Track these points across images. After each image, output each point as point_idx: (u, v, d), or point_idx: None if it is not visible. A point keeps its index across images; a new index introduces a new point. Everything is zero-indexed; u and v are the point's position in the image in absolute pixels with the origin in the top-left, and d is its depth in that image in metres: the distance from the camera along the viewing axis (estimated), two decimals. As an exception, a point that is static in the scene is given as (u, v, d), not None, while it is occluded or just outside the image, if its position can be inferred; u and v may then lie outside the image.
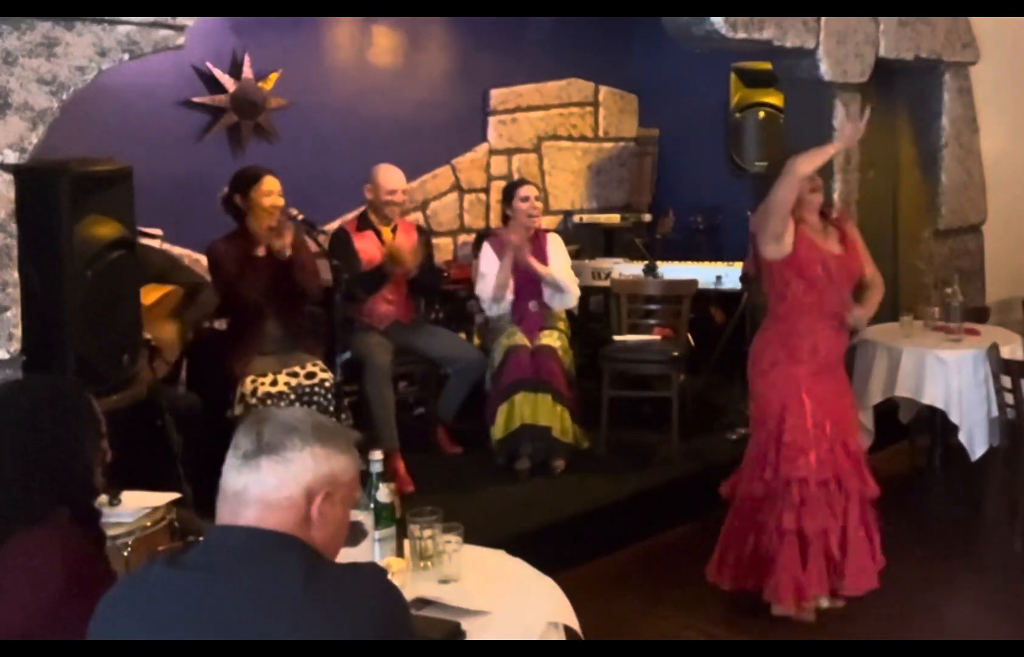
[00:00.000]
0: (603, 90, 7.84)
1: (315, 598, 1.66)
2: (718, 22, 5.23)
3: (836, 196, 5.92)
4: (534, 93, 7.42)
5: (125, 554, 2.96)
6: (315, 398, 4.76)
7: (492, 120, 7.23)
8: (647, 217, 7.53)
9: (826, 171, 4.88)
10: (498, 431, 5.34)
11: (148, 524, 3.08)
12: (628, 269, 6.53)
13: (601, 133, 7.87)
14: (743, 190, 6.74)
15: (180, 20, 3.62)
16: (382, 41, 6.70)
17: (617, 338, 5.98)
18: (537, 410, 5.30)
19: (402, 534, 2.79)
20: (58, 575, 2.14)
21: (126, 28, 3.52)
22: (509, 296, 5.54)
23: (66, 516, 2.26)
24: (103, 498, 2.64)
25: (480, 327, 6.24)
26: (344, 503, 1.82)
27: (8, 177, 3.32)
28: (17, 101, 3.33)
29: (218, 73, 5.88)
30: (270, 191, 4.91)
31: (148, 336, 4.13)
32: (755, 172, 6.84)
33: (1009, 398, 4.86)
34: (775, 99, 7.04)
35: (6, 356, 3.31)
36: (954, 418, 5.15)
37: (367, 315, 5.48)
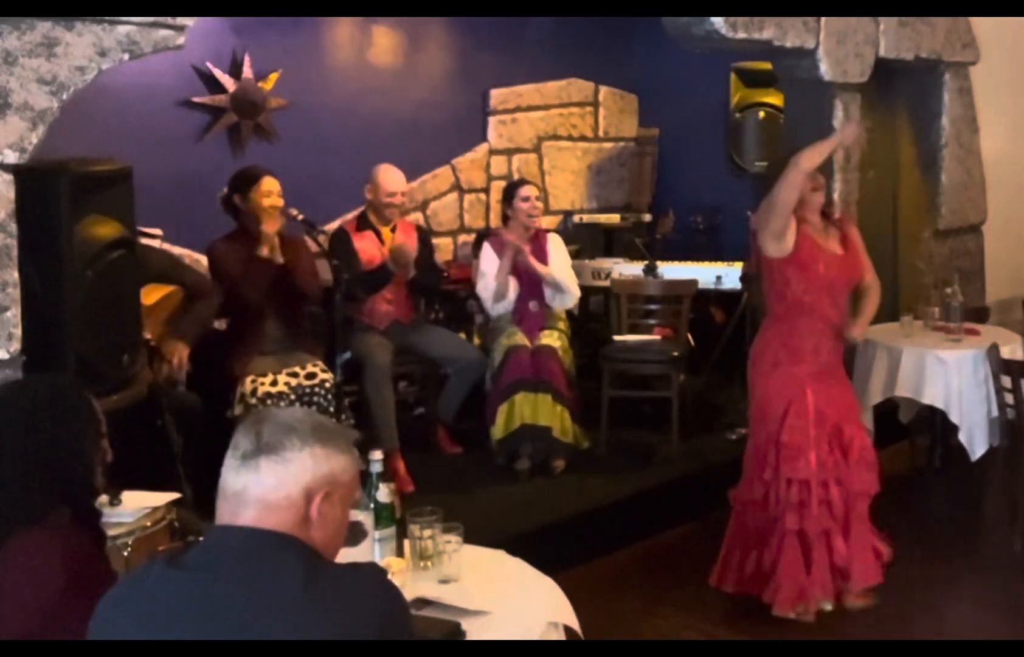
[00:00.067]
0: (603, 90, 7.84)
1: (315, 598, 1.66)
2: (718, 22, 5.23)
3: (836, 196, 5.92)
4: (534, 93, 7.42)
5: (125, 554, 2.96)
6: (315, 398, 4.76)
7: (492, 120, 7.23)
8: (647, 217, 7.53)
9: (826, 171, 4.88)
10: (498, 431, 5.34)
11: (148, 524, 3.08)
12: (628, 269, 6.53)
13: (601, 133, 7.87)
14: (743, 190, 6.74)
15: (180, 20, 3.63)
16: (382, 41, 6.70)
17: (617, 338, 5.98)
18: (537, 410, 5.30)
19: (402, 534, 2.79)
20: (58, 575, 2.14)
21: (126, 28, 3.52)
22: (512, 295, 5.54)
23: (66, 516, 2.26)
24: (103, 498, 2.64)
25: (480, 327, 6.25)
26: (344, 503, 1.82)
27: (8, 177, 3.33)
28: (17, 101, 3.33)
29: (218, 73, 5.88)
30: (269, 191, 4.91)
31: (148, 336, 4.13)
32: (755, 172, 6.84)
33: (1009, 398, 4.86)
34: (775, 99, 7.05)
35: (6, 356, 3.31)
36: (954, 418, 5.15)
37: (367, 315, 5.48)
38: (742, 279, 6.26)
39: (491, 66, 7.17)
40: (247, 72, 5.98)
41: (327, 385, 4.80)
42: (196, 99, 5.85)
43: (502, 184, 6.41)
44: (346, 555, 2.06)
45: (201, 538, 1.90)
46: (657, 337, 5.97)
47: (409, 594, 2.32)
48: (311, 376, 4.80)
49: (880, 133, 6.47)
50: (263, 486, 1.73)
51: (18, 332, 3.34)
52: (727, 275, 6.46)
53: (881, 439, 5.47)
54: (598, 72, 7.75)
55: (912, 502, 5.48)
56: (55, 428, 2.31)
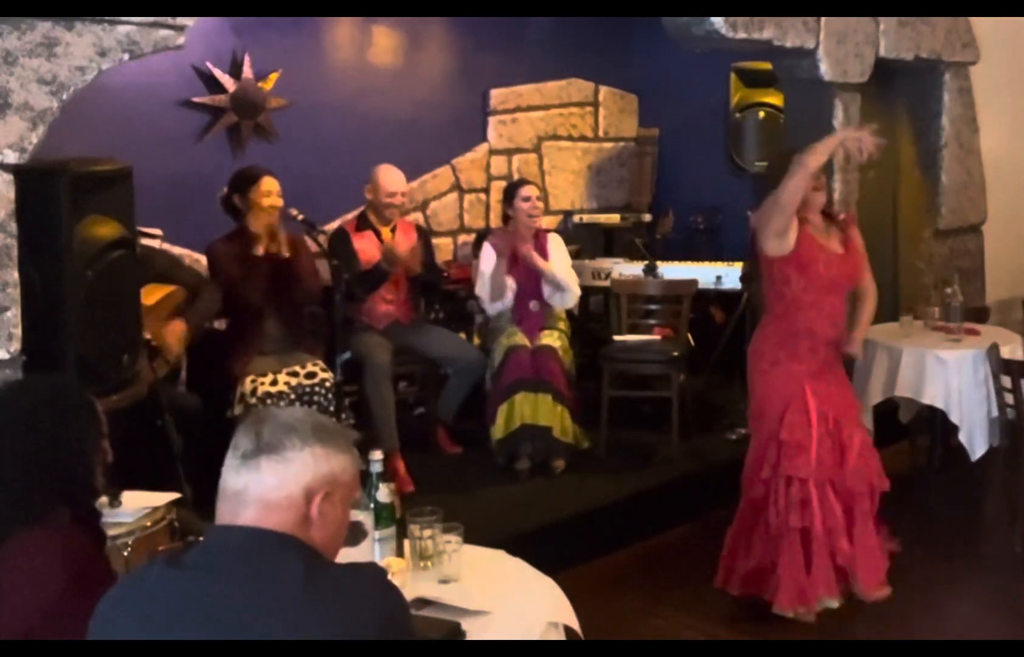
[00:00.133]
0: (603, 90, 7.84)
1: (315, 598, 1.66)
2: (718, 22, 5.23)
3: (836, 196, 5.92)
4: (534, 93, 7.42)
5: (125, 554, 2.96)
6: (315, 398, 4.76)
7: (492, 120, 7.23)
8: (647, 217, 7.53)
9: (826, 171, 4.87)
10: (498, 431, 5.34)
11: (148, 524, 3.08)
12: (628, 269, 6.53)
13: (601, 133, 7.87)
14: (743, 190, 6.74)
15: (180, 20, 3.63)
16: (382, 41, 6.70)
17: (617, 338, 5.98)
18: (537, 410, 5.30)
19: (402, 534, 2.79)
20: (58, 575, 2.14)
21: (126, 28, 3.52)
22: (510, 294, 5.54)
23: (66, 516, 2.26)
24: (103, 499, 2.63)
25: (480, 327, 6.25)
26: (344, 503, 1.83)
27: (8, 177, 3.32)
28: (17, 101, 3.33)
29: (218, 73, 5.88)
30: (269, 191, 4.91)
31: (148, 336, 4.13)
32: (755, 172, 6.84)
33: (1009, 398, 4.86)
34: (775, 99, 7.04)
35: (6, 356, 3.31)
36: (954, 418, 5.15)
37: (367, 315, 5.48)
38: (742, 279, 6.26)
39: (491, 66, 7.17)
40: (247, 72, 5.98)
41: (327, 385, 4.80)
42: (196, 99, 5.85)
43: (502, 184, 6.41)
44: (346, 555, 2.06)
45: (201, 538, 1.90)
46: (657, 337, 5.97)
47: (409, 594, 2.32)
48: (311, 376, 4.81)
49: (880, 133, 6.45)
50: (263, 486, 1.73)
51: (18, 332, 3.34)
52: (727, 275, 6.46)
53: (881, 439, 5.46)
54: (598, 72, 7.75)
55: (912, 502, 5.47)
56: (55, 428, 2.31)
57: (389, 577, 1.83)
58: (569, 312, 5.85)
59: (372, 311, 5.49)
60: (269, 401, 4.65)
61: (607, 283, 6.48)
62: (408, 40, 6.78)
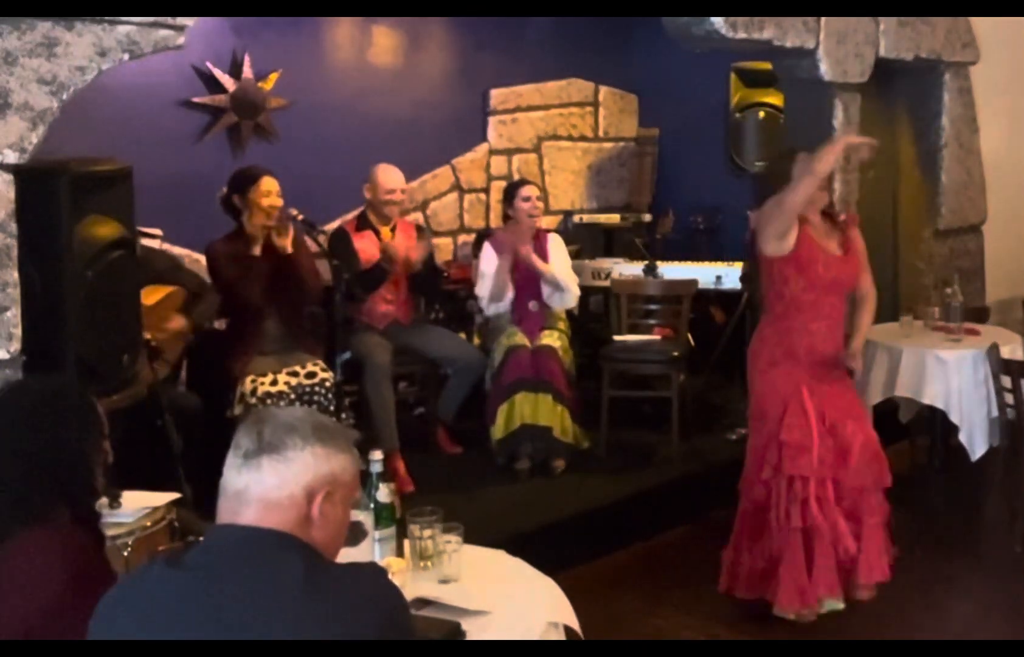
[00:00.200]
0: (603, 90, 7.84)
1: (315, 598, 1.66)
2: (718, 22, 5.23)
3: (836, 196, 5.92)
4: (534, 93, 7.42)
5: (125, 554, 2.97)
6: (315, 398, 4.76)
7: (492, 120, 7.23)
8: (647, 217, 7.53)
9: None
10: (498, 431, 5.34)
11: (148, 524, 3.08)
12: (628, 269, 6.53)
13: (601, 133, 7.87)
14: (743, 190, 6.74)
15: (180, 20, 3.62)
16: (382, 41, 6.70)
17: (617, 338, 5.98)
18: (537, 410, 5.30)
19: (402, 534, 2.79)
20: (58, 575, 2.14)
21: (126, 28, 3.52)
22: (509, 295, 5.54)
23: (66, 516, 2.26)
24: (103, 501, 2.63)
25: (480, 327, 6.24)
26: (344, 503, 1.83)
27: (8, 177, 3.32)
28: (17, 101, 3.33)
29: (218, 73, 5.88)
30: (268, 191, 4.91)
31: (148, 336, 4.13)
32: (755, 172, 6.84)
33: (1009, 398, 4.86)
34: (775, 99, 7.05)
35: (6, 356, 3.31)
36: (954, 418, 5.15)
37: (367, 315, 5.48)
38: (742, 279, 6.26)
39: (491, 66, 7.17)
40: (247, 72, 5.98)
41: (327, 385, 4.80)
42: (196, 99, 5.85)
43: (502, 184, 6.41)
44: (346, 555, 2.06)
45: (201, 538, 1.90)
46: (657, 337, 5.97)
47: (409, 594, 2.32)
48: (311, 375, 4.80)
49: (880, 133, 6.46)
50: (264, 485, 1.73)
51: (18, 332, 3.34)
52: (727, 275, 6.46)
53: (881, 439, 5.47)
54: (598, 72, 7.75)
55: (912, 502, 5.47)
56: (56, 428, 2.31)
57: (389, 577, 1.83)
58: (569, 312, 5.85)
59: (372, 311, 5.49)
60: (269, 401, 4.64)
61: (607, 283, 6.48)
62: (408, 40, 6.78)
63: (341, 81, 6.49)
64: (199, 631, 1.64)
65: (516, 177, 7.10)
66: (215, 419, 4.59)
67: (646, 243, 7.10)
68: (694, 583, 4.52)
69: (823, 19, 5.74)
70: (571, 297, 5.69)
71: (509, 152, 7.33)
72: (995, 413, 5.02)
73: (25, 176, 3.35)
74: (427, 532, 2.72)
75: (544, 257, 5.62)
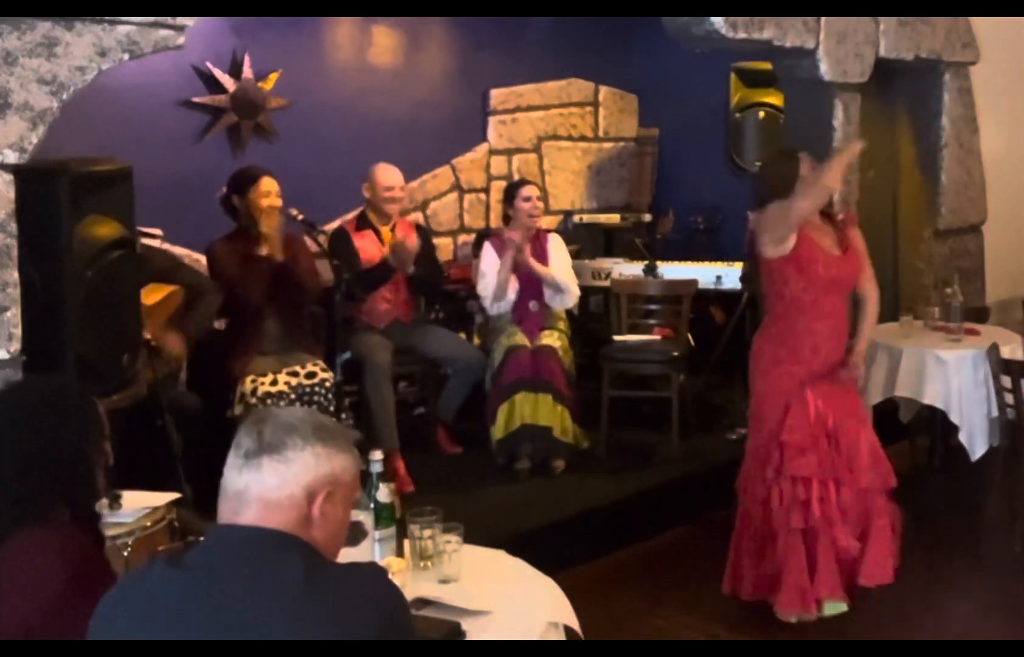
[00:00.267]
0: (603, 90, 7.84)
1: (315, 598, 1.66)
2: (718, 22, 5.23)
3: (835, 196, 5.91)
4: (534, 93, 7.42)
5: (125, 554, 2.96)
6: (315, 398, 4.76)
7: (492, 120, 7.23)
8: (647, 217, 7.53)
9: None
10: (498, 431, 5.34)
11: (148, 524, 3.08)
12: (628, 269, 6.53)
13: (601, 133, 7.87)
14: (743, 190, 6.73)
15: (180, 20, 3.63)
16: (382, 41, 6.70)
17: (617, 338, 5.98)
18: (537, 410, 5.30)
19: (402, 534, 2.79)
20: (58, 575, 2.14)
21: (126, 28, 3.52)
22: (511, 295, 5.54)
23: (66, 516, 2.26)
24: (103, 502, 2.63)
25: (480, 327, 6.25)
26: (345, 503, 1.83)
27: (8, 177, 3.33)
28: (17, 101, 3.33)
29: (218, 73, 5.88)
30: (268, 192, 4.91)
31: (148, 336, 4.13)
32: (755, 172, 6.83)
33: (1009, 398, 4.86)
34: (775, 99, 7.05)
35: (6, 356, 3.31)
36: (954, 418, 5.15)
37: (367, 314, 5.48)
38: (742, 279, 6.26)
39: (491, 66, 7.17)
40: (247, 72, 5.98)
41: (327, 385, 4.80)
42: (196, 99, 5.85)
43: (502, 184, 6.41)
44: (346, 555, 2.06)
45: (201, 538, 1.90)
46: (657, 337, 5.97)
47: (409, 594, 2.32)
48: (311, 375, 4.80)
49: (880, 133, 6.47)
50: (265, 485, 1.73)
51: (18, 332, 3.34)
52: (727, 275, 6.46)
53: (881, 439, 5.47)
54: (598, 72, 7.75)
55: (912, 502, 5.46)
56: (55, 428, 2.30)
57: (389, 577, 1.83)
58: (569, 312, 5.85)
59: (372, 310, 5.49)
60: (269, 401, 4.64)
61: (607, 283, 6.48)
62: (408, 40, 6.78)
63: (341, 81, 6.49)
64: (199, 631, 1.64)
65: (516, 177, 7.10)
66: (215, 419, 4.59)
67: (646, 243, 7.10)
68: (694, 583, 4.52)
69: (823, 19, 5.74)
70: (571, 297, 5.69)
71: (509, 152, 7.33)
72: (995, 413, 5.02)
73: (25, 176, 3.36)
74: (427, 532, 2.72)
75: (544, 258, 5.62)
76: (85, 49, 3.45)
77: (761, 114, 7.18)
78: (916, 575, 4.58)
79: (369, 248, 5.45)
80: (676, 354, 5.73)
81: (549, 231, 6.01)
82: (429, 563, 2.71)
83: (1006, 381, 4.87)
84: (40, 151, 3.44)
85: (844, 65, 5.92)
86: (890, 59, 6.21)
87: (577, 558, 4.61)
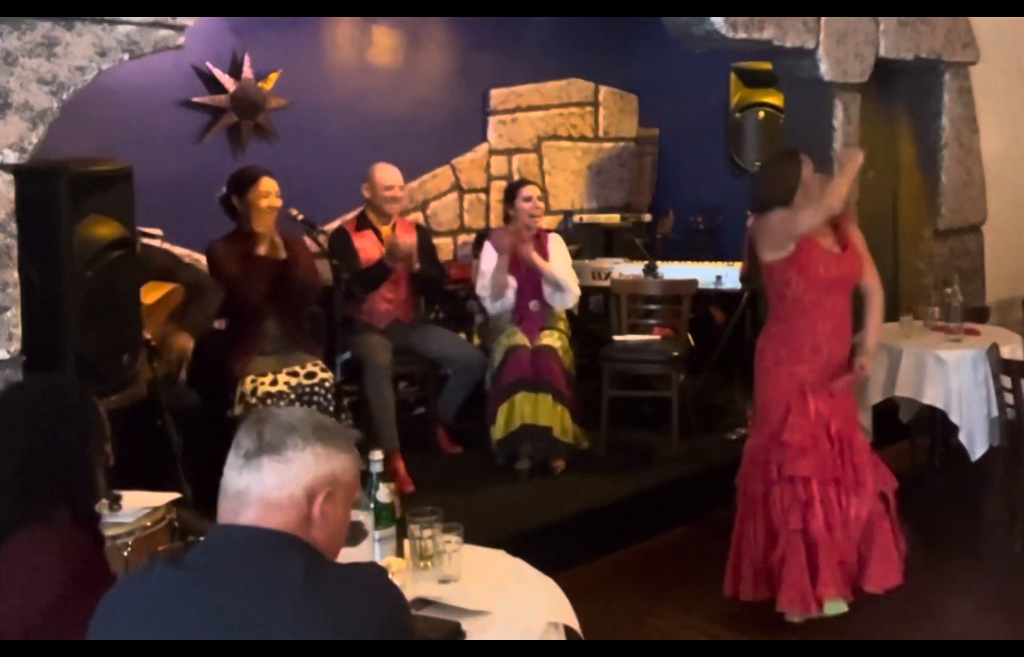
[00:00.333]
0: (603, 90, 7.84)
1: (315, 598, 1.66)
2: (718, 22, 5.23)
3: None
4: (534, 93, 7.42)
5: (125, 554, 2.96)
6: (315, 398, 4.76)
7: (492, 120, 7.23)
8: (647, 217, 7.53)
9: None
10: (498, 431, 5.34)
11: (148, 524, 3.08)
12: (628, 269, 6.53)
13: (601, 133, 7.87)
14: (743, 190, 6.73)
15: (180, 20, 3.62)
16: (382, 41, 6.70)
17: (617, 338, 5.98)
18: (537, 410, 5.30)
19: (402, 534, 2.79)
20: (58, 575, 2.14)
21: (126, 28, 3.52)
22: (511, 293, 5.54)
23: (66, 516, 2.26)
24: (103, 502, 2.63)
25: (480, 327, 6.25)
26: (345, 503, 1.83)
27: (8, 177, 3.32)
28: (17, 101, 3.33)
29: (218, 73, 5.88)
30: (267, 192, 4.91)
31: (148, 336, 4.13)
32: (755, 172, 6.83)
33: (1009, 398, 4.86)
34: (775, 99, 7.05)
35: (6, 356, 3.31)
36: (954, 418, 5.14)
37: (367, 314, 5.48)
38: (742, 279, 6.26)
39: (491, 66, 7.17)
40: (247, 72, 5.98)
41: (327, 385, 4.80)
42: (196, 99, 5.85)
43: (502, 184, 6.42)
44: (346, 555, 2.06)
45: (201, 538, 1.90)
46: (657, 337, 5.97)
47: (409, 594, 2.32)
48: (311, 375, 4.80)
49: (880, 133, 6.46)
50: (265, 485, 1.73)
51: (18, 332, 3.34)
52: (727, 275, 6.46)
53: (881, 439, 5.47)
54: (598, 72, 7.75)
55: (912, 502, 5.47)
56: (56, 428, 2.30)
57: (389, 577, 1.83)
58: (569, 312, 5.85)
59: (373, 310, 5.49)
60: (269, 401, 4.64)
61: (607, 283, 6.48)
62: (408, 40, 6.78)
63: (341, 81, 6.49)
64: (199, 631, 1.64)
65: (516, 177, 7.10)
66: (215, 419, 4.58)
67: (646, 243, 7.10)
68: (694, 583, 4.52)
69: (823, 19, 5.74)
70: (572, 297, 5.69)
71: (509, 152, 7.33)
72: (995, 413, 5.01)
73: (25, 176, 3.35)
74: (427, 532, 2.72)
75: (545, 257, 5.62)
76: (85, 49, 3.44)
77: (761, 114, 7.18)
78: (916, 575, 4.57)
79: (369, 248, 5.45)
80: (676, 354, 5.73)
81: (549, 231, 6.01)
82: (429, 563, 2.71)
83: (1006, 381, 4.87)
84: (40, 151, 3.43)
85: (844, 65, 5.92)
86: (890, 59, 6.21)
87: (577, 558, 4.60)
